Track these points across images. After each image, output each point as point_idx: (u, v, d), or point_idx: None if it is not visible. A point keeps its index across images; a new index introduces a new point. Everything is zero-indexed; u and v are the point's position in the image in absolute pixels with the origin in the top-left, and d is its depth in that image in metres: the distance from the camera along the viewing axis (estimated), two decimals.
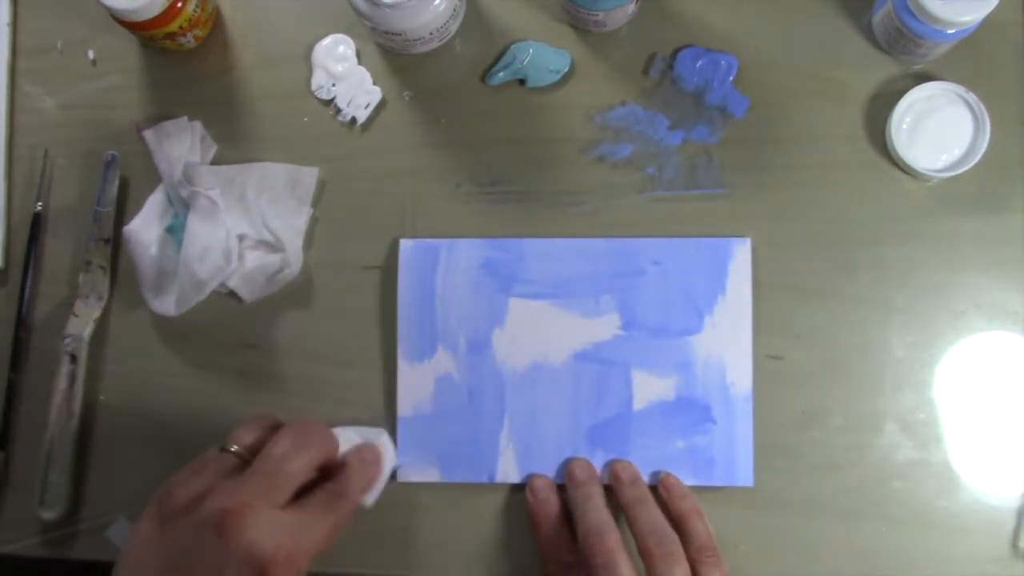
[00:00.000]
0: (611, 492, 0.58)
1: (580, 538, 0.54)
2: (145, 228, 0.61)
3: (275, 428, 0.51)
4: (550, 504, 0.57)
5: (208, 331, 0.62)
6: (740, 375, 0.58)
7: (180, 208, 0.61)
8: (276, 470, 0.48)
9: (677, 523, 0.56)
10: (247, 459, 0.49)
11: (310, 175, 0.62)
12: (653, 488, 0.58)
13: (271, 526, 0.45)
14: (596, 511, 0.55)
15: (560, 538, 0.57)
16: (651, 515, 0.55)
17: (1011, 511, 0.57)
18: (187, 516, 0.46)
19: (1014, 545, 0.56)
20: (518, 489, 0.59)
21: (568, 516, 0.57)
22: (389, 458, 0.55)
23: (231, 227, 0.60)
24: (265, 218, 0.61)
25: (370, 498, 0.54)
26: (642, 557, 0.53)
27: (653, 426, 0.58)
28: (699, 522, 0.55)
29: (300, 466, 0.49)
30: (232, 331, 0.62)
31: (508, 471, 0.59)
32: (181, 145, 0.61)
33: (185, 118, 0.63)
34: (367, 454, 0.53)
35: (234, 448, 0.50)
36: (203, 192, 0.60)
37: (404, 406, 0.60)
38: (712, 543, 0.55)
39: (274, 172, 0.62)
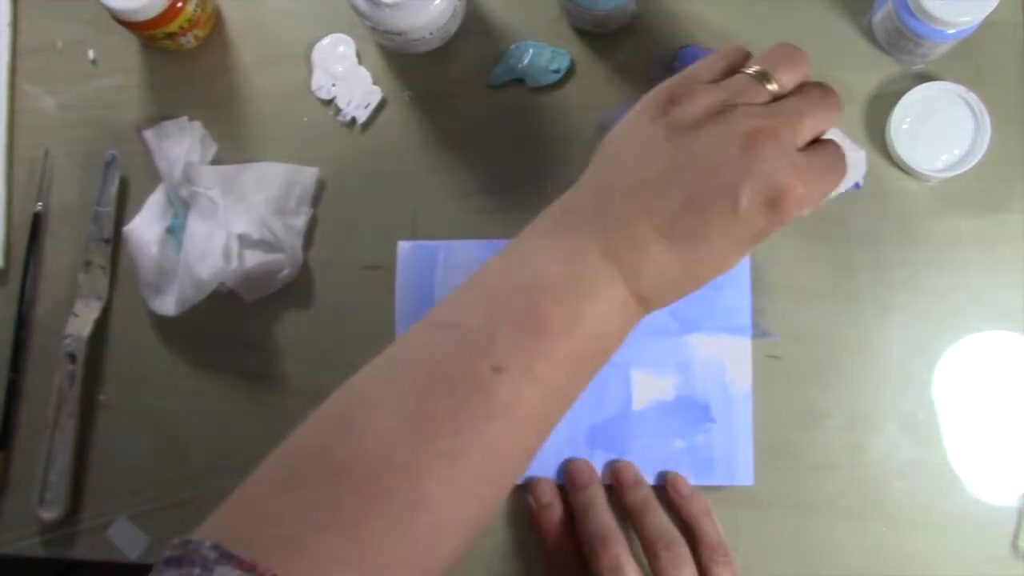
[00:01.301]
0: (611, 492, 0.58)
1: (585, 543, 0.54)
2: (145, 228, 0.61)
3: (809, 75, 0.47)
4: (553, 509, 0.57)
5: (208, 331, 0.62)
6: (739, 374, 0.58)
7: (180, 208, 0.61)
8: (800, 117, 0.45)
9: (686, 524, 0.56)
10: (777, 98, 0.46)
11: (310, 175, 0.62)
12: (655, 488, 0.57)
13: (795, 159, 0.43)
14: (599, 516, 0.55)
15: (564, 542, 0.56)
16: (657, 518, 0.55)
17: (1011, 511, 0.57)
18: (705, 128, 0.43)
19: (1014, 545, 0.56)
20: (517, 488, 0.59)
21: (571, 519, 0.57)
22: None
23: (231, 227, 0.60)
24: (264, 218, 0.61)
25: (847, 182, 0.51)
26: (649, 560, 0.53)
27: (653, 426, 0.58)
28: (708, 522, 0.55)
29: (818, 126, 0.46)
30: (232, 331, 0.62)
31: None
32: (181, 145, 0.61)
33: (185, 118, 0.63)
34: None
35: (757, 70, 0.46)
36: (203, 192, 0.60)
37: None
38: (722, 542, 0.55)
39: (274, 172, 0.61)
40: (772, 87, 0.46)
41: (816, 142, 0.46)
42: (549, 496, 0.57)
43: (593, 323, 0.43)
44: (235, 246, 0.60)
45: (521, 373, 0.41)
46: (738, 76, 0.46)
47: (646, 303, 0.45)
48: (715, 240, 0.43)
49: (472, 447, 0.40)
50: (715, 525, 0.56)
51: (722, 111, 0.44)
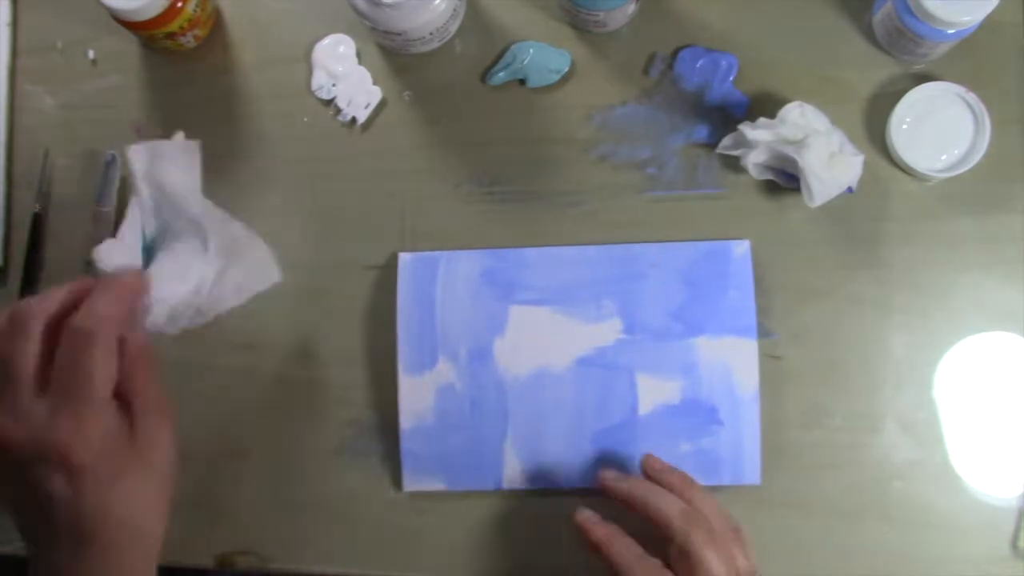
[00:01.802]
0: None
1: (664, 524, 0.51)
2: (118, 250, 0.52)
3: None
4: (605, 526, 0.54)
5: (208, 331, 0.62)
6: (746, 376, 0.58)
7: (158, 231, 0.54)
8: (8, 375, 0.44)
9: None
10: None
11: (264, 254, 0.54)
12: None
13: (31, 417, 0.43)
14: (665, 496, 0.52)
15: (628, 541, 0.53)
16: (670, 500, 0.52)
17: (1011, 511, 0.57)
18: None
19: (1014, 545, 0.56)
20: (519, 490, 0.59)
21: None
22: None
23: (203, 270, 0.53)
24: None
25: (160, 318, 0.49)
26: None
27: (659, 430, 0.58)
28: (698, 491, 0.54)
29: (29, 354, 0.44)
30: (232, 331, 0.62)
31: (514, 479, 0.59)
32: (178, 169, 0.52)
33: (183, 139, 0.53)
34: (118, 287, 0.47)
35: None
36: (195, 224, 0.52)
37: (406, 418, 0.59)
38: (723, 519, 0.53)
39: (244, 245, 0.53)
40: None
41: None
42: (595, 518, 0.54)
43: None
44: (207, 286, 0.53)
45: None
46: None
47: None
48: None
49: None
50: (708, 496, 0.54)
51: None
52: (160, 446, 0.48)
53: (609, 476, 0.56)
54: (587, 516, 0.54)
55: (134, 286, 0.48)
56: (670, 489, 0.54)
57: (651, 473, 0.56)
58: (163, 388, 0.48)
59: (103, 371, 0.44)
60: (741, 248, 0.59)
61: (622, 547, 0.52)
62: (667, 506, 0.51)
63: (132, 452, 0.46)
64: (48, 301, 0.46)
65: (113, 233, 0.62)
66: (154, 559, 0.48)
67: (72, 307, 0.45)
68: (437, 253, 0.61)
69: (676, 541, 0.50)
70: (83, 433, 0.44)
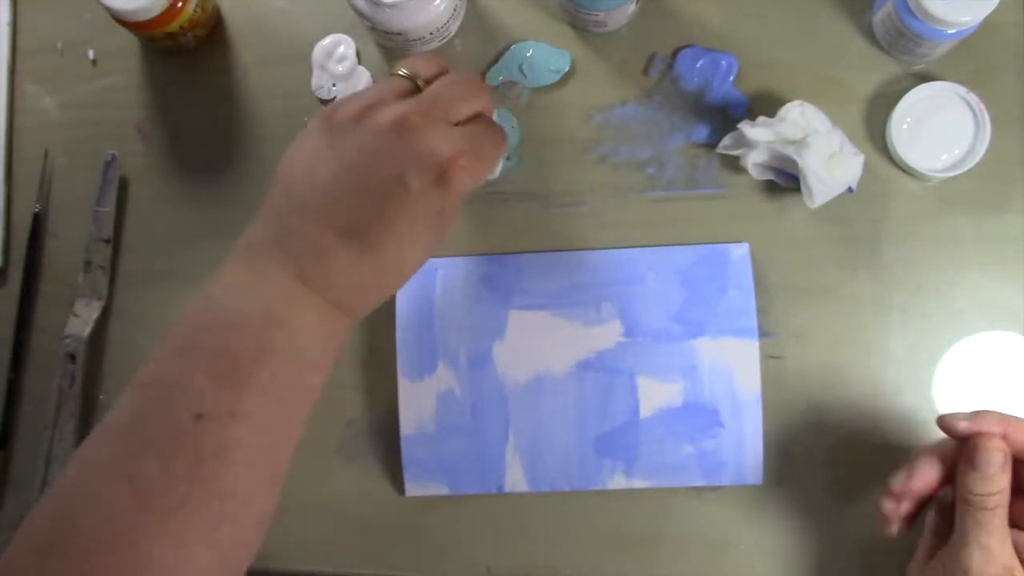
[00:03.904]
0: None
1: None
2: None
3: (448, 68, 0.50)
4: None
5: None
6: (748, 378, 0.58)
7: None
8: (447, 100, 0.47)
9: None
10: (419, 88, 0.48)
11: None
12: (659, 489, 0.57)
13: (448, 133, 0.45)
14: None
15: None
16: None
17: None
18: (360, 124, 0.45)
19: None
20: (510, 494, 0.59)
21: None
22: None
23: None
24: None
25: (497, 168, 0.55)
26: None
27: (661, 433, 0.58)
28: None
29: (470, 105, 0.47)
30: None
31: (516, 484, 0.59)
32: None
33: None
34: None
35: (405, 72, 0.48)
36: None
37: (407, 424, 0.59)
38: None
39: None
40: (416, 81, 0.48)
41: (472, 119, 0.48)
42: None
43: (287, 349, 0.43)
44: None
45: (224, 415, 0.41)
46: (381, 78, 0.48)
47: (350, 311, 0.45)
48: (399, 229, 0.44)
49: (189, 499, 0.40)
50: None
51: (372, 108, 0.45)
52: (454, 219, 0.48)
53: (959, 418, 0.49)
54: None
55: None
56: None
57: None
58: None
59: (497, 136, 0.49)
60: (740, 251, 0.59)
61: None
62: None
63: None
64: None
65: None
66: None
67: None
68: (436, 260, 0.61)
69: None
70: (474, 172, 0.46)
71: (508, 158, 0.54)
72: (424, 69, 0.49)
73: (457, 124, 0.46)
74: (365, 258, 0.44)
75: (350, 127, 0.45)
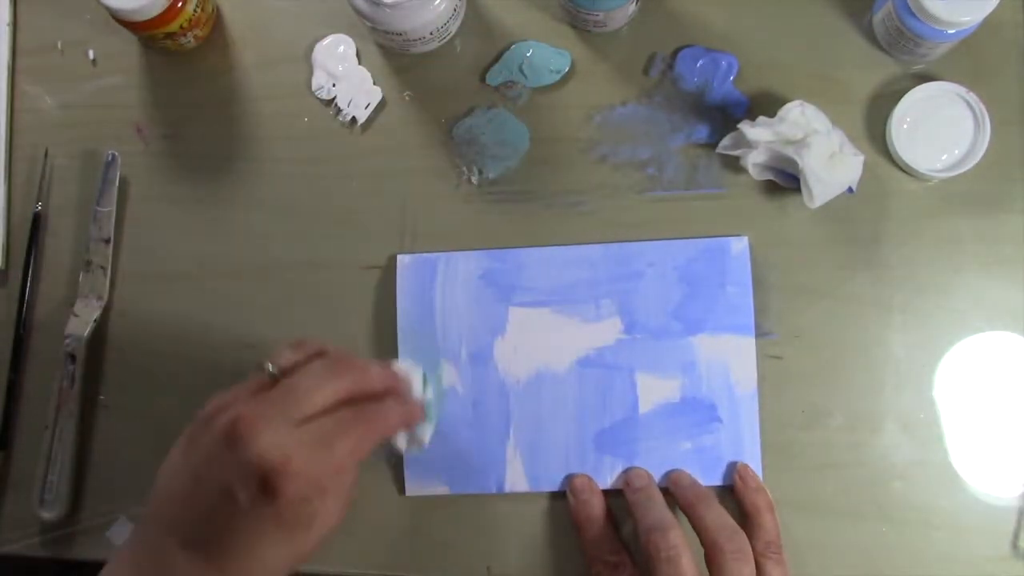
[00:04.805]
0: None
1: (642, 535, 0.53)
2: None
3: (318, 354, 0.48)
4: (593, 504, 0.57)
5: (208, 331, 0.62)
6: (744, 374, 0.58)
7: None
8: (298, 390, 0.45)
9: (747, 516, 0.55)
10: (279, 380, 0.46)
11: None
12: (660, 490, 0.57)
13: (281, 437, 0.43)
14: (658, 510, 0.54)
15: (605, 538, 0.56)
16: (719, 512, 0.54)
17: (1011, 511, 0.57)
18: (207, 428, 0.44)
19: (1014, 545, 0.56)
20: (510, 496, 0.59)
21: (611, 516, 0.57)
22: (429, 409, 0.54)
23: None
24: None
25: (402, 441, 0.54)
26: (709, 554, 0.52)
27: (660, 428, 0.58)
28: (770, 517, 0.55)
29: (326, 392, 0.45)
30: (232, 331, 0.62)
31: (516, 481, 0.59)
32: None
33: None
34: (405, 388, 0.51)
35: (268, 367, 0.47)
36: None
37: None
38: (778, 540, 0.54)
39: None
40: (272, 371, 0.46)
41: (338, 407, 0.46)
42: (588, 492, 0.57)
43: None
44: None
45: None
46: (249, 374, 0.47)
47: None
48: (235, 543, 0.43)
49: None
50: (776, 521, 0.55)
51: (221, 410, 0.45)
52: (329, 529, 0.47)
53: (683, 481, 0.57)
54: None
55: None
56: (751, 513, 0.56)
57: (742, 487, 0.57)
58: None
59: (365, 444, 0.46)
60: (740, 244, 0.59)
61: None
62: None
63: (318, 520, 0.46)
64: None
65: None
66: None
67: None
68: (435, 255, 0.61)
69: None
70: (312, 476, 0.44)
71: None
72: (281, 360, 0.47)
73: (315, 415, 0.44)
74: (207, 570, 0.44)
75: (201, 431, 0.45)
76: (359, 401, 0.47)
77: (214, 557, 0.44)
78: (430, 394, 0.57)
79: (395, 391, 0.50)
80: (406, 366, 0.54)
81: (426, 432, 0.55)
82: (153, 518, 0.45)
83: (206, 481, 0.43)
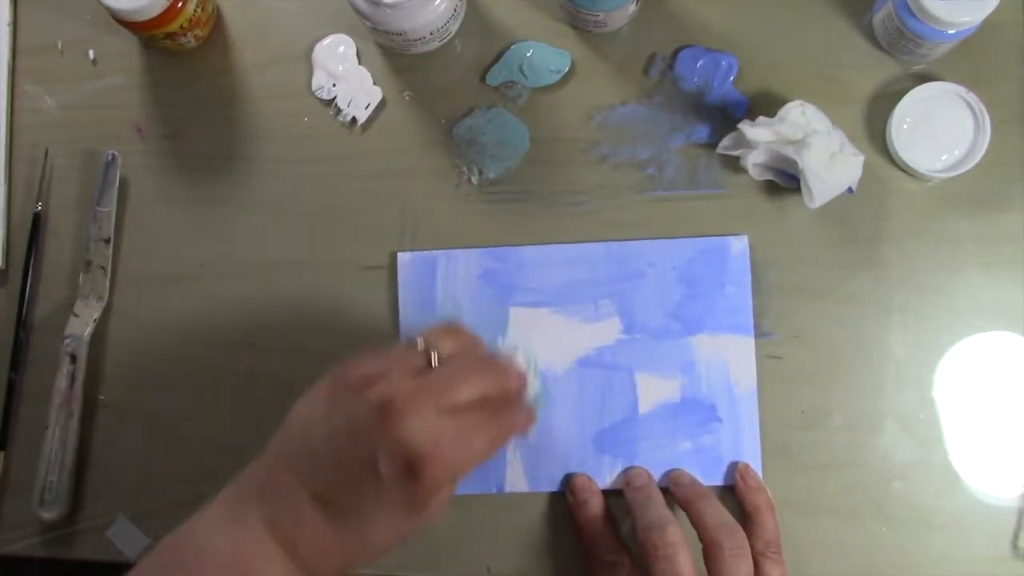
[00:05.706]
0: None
1: (640, 532, 0.53)
2: None
3: (472, 344, 0.49)
4: (592, 504, 0.57)
5: (208, 331, 0.62)
6: (744, 374, 0.58)
7: None
8: (454, 380, 0.45)
9: (748, 515, 0.56)
10: (431, 364, 0.47)
11: None
12: (660, 490, 0.57)
13: (431, 424, 0.43)
14: (657, 508, 0.54)
15: (604, 537, 0.56)
16: (718, 509, 0.54)
17: (1011, 511, 0.57)
18: (359, 394, 0.45)
19: (1014, 545, 0.56)
20: (509, 495, 0.59)
21: (610, 515, 0.57)
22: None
23: None
24: None
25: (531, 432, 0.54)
26: (707, 550, 0.52)
27: (660, 428, 0.58)
28: (770, 516, 0.55)
29: (474, 387, 0.46)
30: (232, 331, 0.62)
31: (516, 481, 0.59)
32: None
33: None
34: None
35: (423, 345, 0.47)
36: None
37: None
38: (778, 539, 0.55)
39: None
40: (431, 355, 0.46)
41: (479, 402, 0.46)
42: (587, 492, 0.57)
43: None
44: None
45: None
46: (398, 345, 0.48)
47: (312, 572, 0.45)
48: (367, 509, 0.44)
49: None
50: (776, 520, 0.55)
51: (374, 379, 0.45)
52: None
53: (683, 479, 0.57)
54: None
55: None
56: (751, 511, 0.56)
57: (742, 487, 0.57)
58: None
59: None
60: (739, 244, 0.59)
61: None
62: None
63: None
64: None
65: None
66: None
67: None
68: (436, 253, 0.61)
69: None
70: (453, 467, 0.44)
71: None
72: (444, 344, 0.47)
73: (461, 407, 0.45)
74: (332, 526, 0.45)
75: (350, 395, 0.45)
76: (497, 400, 0.47)
77: (338, 517, 0.44)
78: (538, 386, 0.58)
79: (524, 393, 0.50)
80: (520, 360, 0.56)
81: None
82: (284, 463, 0.46)
83: (352, 446, 0.44)
